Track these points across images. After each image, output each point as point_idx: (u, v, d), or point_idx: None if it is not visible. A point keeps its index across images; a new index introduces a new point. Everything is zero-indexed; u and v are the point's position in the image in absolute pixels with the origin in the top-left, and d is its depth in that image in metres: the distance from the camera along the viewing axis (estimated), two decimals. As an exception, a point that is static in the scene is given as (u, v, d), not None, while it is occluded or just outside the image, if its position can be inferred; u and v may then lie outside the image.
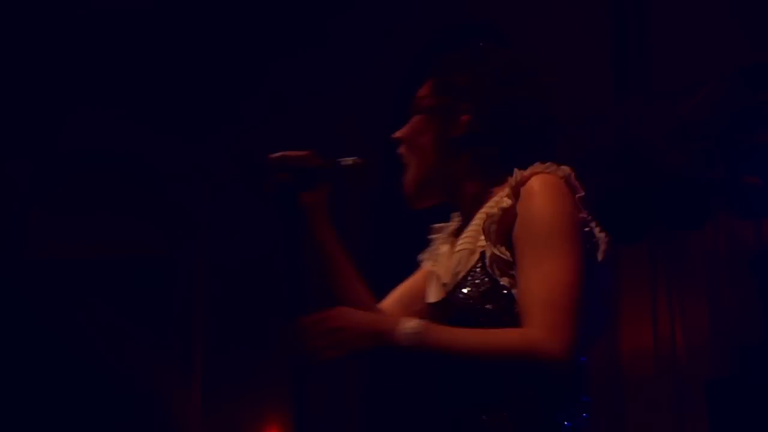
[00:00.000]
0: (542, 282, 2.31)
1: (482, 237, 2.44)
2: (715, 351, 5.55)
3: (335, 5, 7.32)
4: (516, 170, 2.44)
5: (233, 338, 7.51)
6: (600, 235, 2.45)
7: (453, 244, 2.59)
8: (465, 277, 2.45)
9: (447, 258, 2.58)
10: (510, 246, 2.39)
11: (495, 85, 2.55)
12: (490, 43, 2.65)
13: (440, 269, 2.57)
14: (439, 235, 2.70)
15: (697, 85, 5.41)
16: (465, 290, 2.44)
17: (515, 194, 2.41)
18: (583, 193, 2.43)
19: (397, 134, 2.67)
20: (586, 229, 2.42)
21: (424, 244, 2.74)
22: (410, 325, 2.31)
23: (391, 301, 2.74)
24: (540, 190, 2.38)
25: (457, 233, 2.60)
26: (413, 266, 2.78)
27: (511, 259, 2.38)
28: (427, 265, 2.72)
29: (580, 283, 2.31)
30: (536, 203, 2.37)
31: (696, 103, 5.36)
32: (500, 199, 2.46)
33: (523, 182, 2.41)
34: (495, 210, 2.43)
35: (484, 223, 2.44)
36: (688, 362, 5.64)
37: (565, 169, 2.44)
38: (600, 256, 2.43)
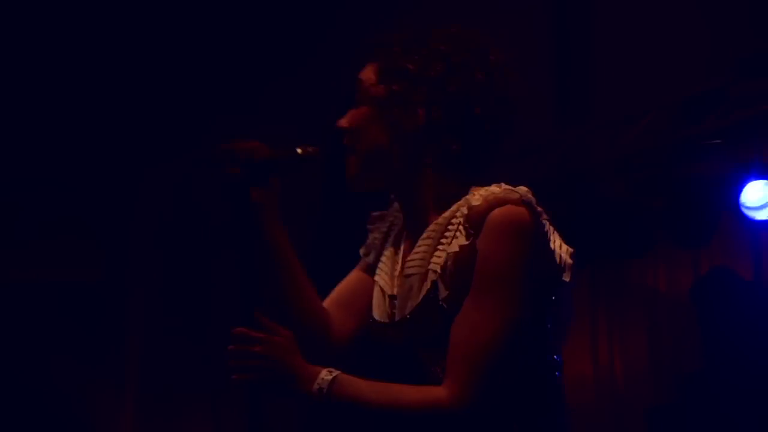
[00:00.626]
0: (469, 332, 2.23)
1: (433, 260, 2.32)
2: (655, 379, 5.58)
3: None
4: (470, 197, 2.30)
5: (167, 361, 7.43)
6: (564, 253, 2.30)
7: (397, 252, 2.47)
8: (418, 308, 2.34)
9: (390, 266, 2.47)
10: (467, 282, 2.27)
11: (449, 69, 2.35)
12: (434, 24, 2.45)
13: (384, 281, 2.46)
14: (377, 226, 2.55)
15: (638, 115, 5.44)
16: (419, 323, 2.34)
17: (473, 228, 2.27)
18: (545, 217, 2.28)
19: (343, 123, 2.45)
20: (552, 252, 2.27)
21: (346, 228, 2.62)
22: (323, 378, 2.26)
23: (330, 301, 2.59)
24: (497, 229, 2.24)
25: (402, 237, 2.48)
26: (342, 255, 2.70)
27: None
28: (368, 260, 2.57)
29: (506, 338, 2.22)
30: (491, 244, 2.24)
31: (637, 133, 5.39)
32: (455, 228, 2.31)
33: (481, 216, 2.26)
34: (454, 247, 2.29)
35: (441, 260, 2.30)
36: (628, 390, 5.66)
37: (523, 191, 2.29)
38: (567, 278, 2.30)
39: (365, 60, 2.46)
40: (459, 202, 2.33)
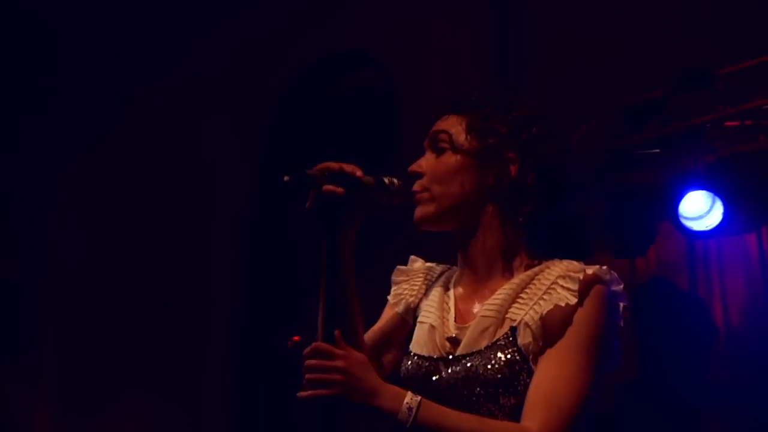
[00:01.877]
0: (559, 381, 2.40)
1: (512, 310, 2.47)
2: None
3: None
4: (576, 264, 2.50)
5: (85, 362, 7.33)
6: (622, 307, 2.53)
7: (446, 299, 2.59)
8: (490, 347, 2.47)
9: (441, 311, 2.57)
10: (553, 336, 2.45)
11: (535, 139, 2.52)
12: (513, 94, 2.61)
13: (437, 322, 2.56)
14: (404, 279, 2.70)
15: (576, 123, 5.41)
16: (493, 362, 2.45)
17: (582, 293, 2.45)
18: (627, 303, 2.52)
19: (422, 168, 2.57)
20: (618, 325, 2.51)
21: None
22: (411, 398, 2.34)
23: (367, 342, 2.66)
24: (602, 301, 2.45)
25: (452, 285, 2.61)
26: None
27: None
28: (397, 310, 2.69)
29: (589, 393, 2.43)
30: (594, 312, 2.44)
31: (575, 141, 5.36)
32: (545, 287, 2.48)
33: (589, 286, 2.45)
34: (563, 305, 2.44)
35: (535, 312, 2.46)
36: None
37: (615, 276, 2.51)
38: (621, 323, 2.53)
39: (444, 111, 2.58)
40: (541, 266, 2.54)
